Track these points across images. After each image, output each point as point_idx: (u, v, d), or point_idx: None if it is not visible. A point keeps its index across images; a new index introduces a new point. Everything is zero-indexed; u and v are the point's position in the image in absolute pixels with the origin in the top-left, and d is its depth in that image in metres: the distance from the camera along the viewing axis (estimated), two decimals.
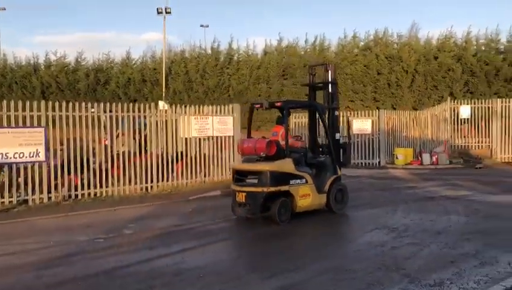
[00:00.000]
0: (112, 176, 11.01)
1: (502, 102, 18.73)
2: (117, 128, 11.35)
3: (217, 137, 12.91)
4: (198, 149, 12.60)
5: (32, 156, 9.76)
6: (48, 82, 30.98)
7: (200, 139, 12.64)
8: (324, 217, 8.56)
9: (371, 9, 56.10)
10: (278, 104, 8.53)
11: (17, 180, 9.73)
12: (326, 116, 9.04)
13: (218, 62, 27.73)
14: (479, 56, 23.20)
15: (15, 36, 61.15)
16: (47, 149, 10.00)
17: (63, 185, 10.24)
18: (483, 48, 23.66)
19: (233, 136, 13.24)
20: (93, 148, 10.94)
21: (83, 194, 10.51)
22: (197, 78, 27.47)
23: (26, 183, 9.78)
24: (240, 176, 8.02)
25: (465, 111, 19.32)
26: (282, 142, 8.09)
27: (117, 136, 11.41)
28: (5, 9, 38.64)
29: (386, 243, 6.51)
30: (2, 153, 9.41)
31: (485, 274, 5.08)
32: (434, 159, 17.43)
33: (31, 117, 9.93)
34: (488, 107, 18.96)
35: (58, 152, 10.40)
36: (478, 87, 22.67)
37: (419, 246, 6.30)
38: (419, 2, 54.51)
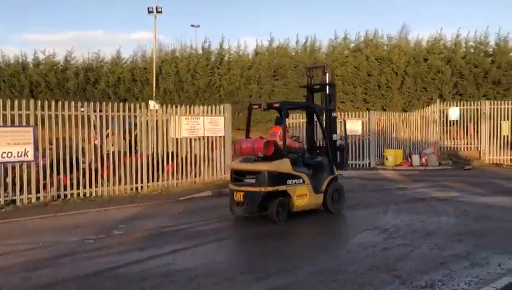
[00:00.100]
0: (102, 176, 10.91)
1: (490, 104, 18.93)
2: (107, 128, 11.26)
3: (208, 137, 12.86)
4: (189, 149, 12.54)
5: (21, 156, 9.63)
6: (37, 81, 30.67)
7: (191, 139, 12.58)
8: (318, 217, 8.58)
9: (361, 10, 56.39)
10: (276, 105, 8.68)
11: (5, 180, 9.60)
12: (324, 117, 9.17)
13: (209, 62, 27.64)
14: (468, 58, 23.41)
15: (3, 34, 60.48)
16: (36, 149, 9.88)
17: (51, 185, 10.13)
18: (472, 51, 23.87)
19: (224, 137, 13.20)
20: (83, 148, 10.83)
21: (72, 194, 10.40)
22: (187, 78, 27.36)
23: (14, 183, 9.65)
24: (238, 175, 8.10)
25: (454, 113, 19.50)
26: (280, 143, 8.17)
27: (107, 136, 11.32)
28: None
29: (377, 244, 6.52)
30: None
31: (475, 275, 5.10)
32: (423, 160, 17.57)
33: (20, 116, 9.80)
34: (477, 109, 19.15)
35: (47, 152, 10.28)
36: (467, 89, 22.88)
37: (410, 247, 6.32)
38: (409, 4, 54.91)
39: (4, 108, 9.59)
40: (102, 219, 8.58)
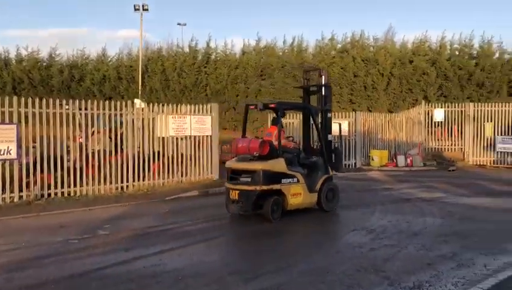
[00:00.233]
0: (87, 175, 10.76)
1: (474, 106, 19.18)
2: (92, 126, 11.10)
3: (194, 137, 12.78)
4: (175, 149, 12.44)
5: (3, 154, 9.44)
6: (20, 77, 30.18)
7: (177, 138, 12.48)
8: (308, 217, 8.60)
9: (347, 10, 56.71)
10: (272, 105, 8.81)
11: None
12: (320, 118, 9.36)
13: (195, 61, 27.49)
14: (453, 61, 23.68)
15: None
16: (19, 146, 9.71)
17: (35, 183, 9.95)
18: (457, 53, 24.15)
19: (211, 136, 13.13)
20: (68, 146, 10.66)
21: (56, 193, 10.24)
22: (174, 77, 27.18)
23: None
24: (233, 174, 8.24)
25: (439, 114, 19.71)
26: (276, 143, 8.29)
27: (92, 134, 11.17)
28: None
29: (364, 245, 6.54)
30: None
31: (462, 276, 5.15)
32: (408, 161, 17.73)
33: (2, 113, 9.61)
34: (461, 111, 19.38)
35: (31, 150, 10.10)
36: (451, 91, 23.15)
37: (397, 247, 6.36)
38: (395, 6, 55.38)
39: None
40: (87, 218, 8.46)
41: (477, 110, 18.95)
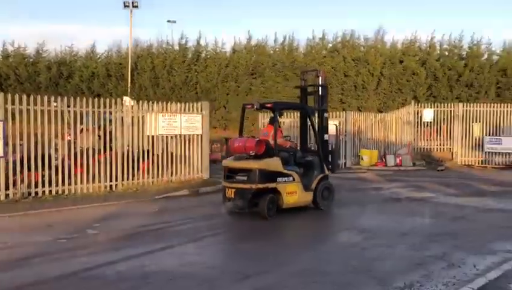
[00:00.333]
0: (75, 174, 10.63)
1: (463, 106, 19.34)
2: (81, 123, 10.97)
3: (184, 135, 12.69)
4: (165, 147, 12.34)
5: None
6: (6, 74, 29.74)
7: (167, 137, 12.38)
8: (299, 216, 8.59)
9: (339, 10, 56.88)
10: (269, 105, 9.04)
11: None
12: (316, 117, 9.55)
13: (185, 59, 27.34)
14: (442, 61, 23.87)
15: None
16: (5, 144, 9.56)
17: (22, 181, 9.80)
18: (447, 54, 24.34)
19: (202, 135, 13.04)
20: (56, 144, 10.52)
21: (43, 192, 10.10)
22: (163, 74, 27.00)
23: None
24: (230, 173, 8.38)
25: (428, 114, 19.83)
26: (273, 142, 8.39)
27: (81, 132, 11.03)
28: None
29: (355, 244, 6.55)
30: None
31: (452, 276, 5.16)
32: (398, 160, 17.82)
33: None
34: (450, 111, 19.54)
35: (18, 147, 9.94)
36: (441, 91, 23.33)
37: (388, 247, 6.37)
38: (385, 7, 55.66)
39: None
40: (75, 217, 8.35)
41: (466, 111, 19.12)
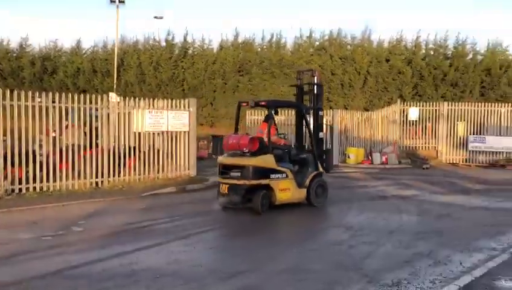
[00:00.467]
0: (60, 170, 10.47)
1: (448, 105, 19.57)
2: (66, 119, 10.81)
3: (171, 132, 12.60)
4: (151, 144, 12.23)
5: None
6: None
7: (153, 134, 12.27)
8: (286, 213, 8.61)
9: (326, 8, 56.91)
10: (263, 103, 9.20)
11: None
12: (312, 116, 9.68)
13: (172, 55, 27.10)
14: (428, 60, 24.05)
15: None
16: None
17: (5, 178, 9.62)
18: (432, 53, 24.54)
19: (189, 132, 12.96)
20: (40, 140, 10.36)
21: (27, 188, 9.93)
22: (150, 71, 26.74)
23: None
24: (224, 169, 8.56)
25: (413, 113, 20.02)
26: (267, 139, 8.58)
27: (66, 128, 10.87)
28: None
29: (343, 242, 6.57)
30: None
31: (439, 274, 5.21)
32: (384, 159, 17.96)
33: None
34: (435, 110, 19.75)
35: (1, 143, 9.74)
36: (426, 90, 23.53)
37: (375, 245, 6.40)
38: (372, 6, 55.88)
39: None
40: (60, 214, 8.23)
41: (451, 110, 19.34)
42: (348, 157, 17.98)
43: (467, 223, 7.94)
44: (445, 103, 19.81)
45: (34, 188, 10.03)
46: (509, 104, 19.39)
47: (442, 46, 24.66)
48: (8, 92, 9.86)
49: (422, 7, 54.23)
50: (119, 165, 11.48)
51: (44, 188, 10.17)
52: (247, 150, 8.33)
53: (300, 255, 5.94)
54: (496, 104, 19.67)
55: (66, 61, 29.26)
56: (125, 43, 29.00)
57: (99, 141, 11.25)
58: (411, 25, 56.26)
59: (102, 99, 11.41)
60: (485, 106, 19.33)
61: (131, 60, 27.41)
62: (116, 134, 11.58)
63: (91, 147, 11.04)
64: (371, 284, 4.85)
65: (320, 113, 9.82)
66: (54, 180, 10.36)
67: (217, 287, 4.74)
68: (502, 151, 18.51)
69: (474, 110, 19.17)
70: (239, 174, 8.25)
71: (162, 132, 12.40)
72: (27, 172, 9.98)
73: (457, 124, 19.21)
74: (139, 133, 11.96)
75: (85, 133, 11.12)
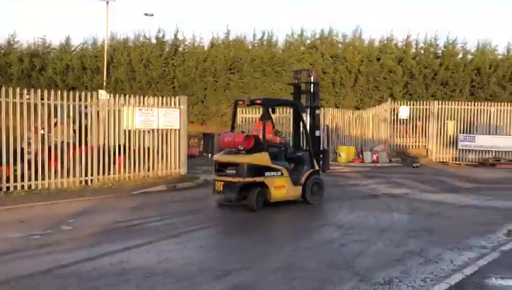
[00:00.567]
0: (49, 168, 10.35)
1: (438, 104, 19.69)
2: (55, 116, 10.68)
3: (162, 130, 12.50)
4: (142, 142, 12.13)
5: None
6: None
7: (144, 131, 12.17)
8: (276, 212, 8.59)
9: (317, 6, 57.00)
10: (258, 101, 9.26)
11: None
12: (309, 114, 9.80)
13: (162, 52, 26.90)
14: (419, 59, 24.14)
15: None
16: None
17: None
18: (423, 52, 24.65)
19: (179, 130, 12.88)
20: (28, 138, 10.22)
21: (15, 187, 9.79)
22: (140, 68, 26.54)
23: None
24: (220, 167, 8.64)
25: (404, 112, 20.13)
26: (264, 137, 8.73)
27: (55, 125, 10.74)
28: None
29: (334, 240, 6.57)
30: None
31: (430, 272, 5.22)
32: (374, 157, 18.03)
33: None
34: (426, 109, 19.87)
35: None
36: (416, 89, 23.63)
37: (366, 243, 6.40)
38: (363, 6, 56.09)
39: None
40: (49, 213, 8.13)
41: (441, 109, 19.47)
42: (339, 155, 18.02)
43: (457, 221, 7.98)
44: (436, 102, 19.93)
45: (22, 186, 9.90)
46: (499, 103, 19.57)
47: (433, 45, 24.78)
48: None
49: (413, 7, 54.56)
50: (108, 163, 11.37)
51: (33, 187, 10.04)
52: (242, 148, 8.40)
53: (293, 254, 5.91)
54: (486, 103, 19.84)
55: (55, 58, 28.97)
56: (115, 40, 28.77)
57: (88, 139, 11.13)
58: (401, 24, 56.55)
59: (91, 96, 11.29)
60: (474, 105, 19.48)
61: (121, 57, 27.19)
62: (106, 132, 11.47)
63: (80, 145, 10.93)
64: (362, 282, 4.85)
65: (317, 111, 9.91)
66: (43, 179, 10.23)
67: (208, 285, 4.70)
68: (491, 150, 18.68)
69: (464, 109, 19.32)
70: (234, 171, 8.33)
71: (152, 130, 12.31)
72: (15, 170, 9.85)
73: (447, 123, 19.35)
74: (129, 131, 11.86)
75: (74, 131, 11.00)
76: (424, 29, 47.46)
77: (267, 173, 8.47)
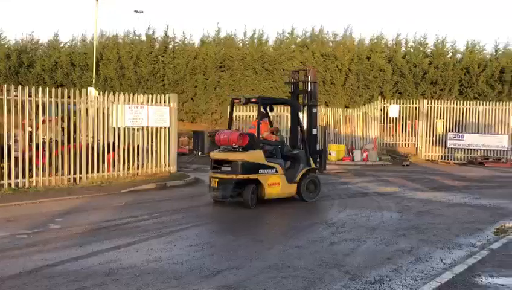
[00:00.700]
0: (36, 166, 10.22)
1: (427, 103, 19.82)
2: (43, 114, 10.55)
3: (152, 128, 12.41)
4: (132, 140, 12.03)
5: None
6: None
7: (133, 129, 12.07)
8: (267, 210, 8.56)
9: (308, 5, 57.04)
10: (253, 100, 9.30)
11: None
12: (306, 113, 9.93)
13: (152, 50, 26.71)
14: (408, 58, 24.29)
15: None
16: None
17: None
18: (412, 51, 24.77)
19: (169, 128, 12.79)
20: (16, 135, 10.08)
21: (2, 185, 9.66)
22: (130, 65, 26.33)
23: None
24: (216, 164, 8.84)
25: (394, 110, 20.25)
26: (261, 135, 8.95)
27: (43, 123, 10.60)
28: None
29: (325, 239, 6.55)
30: None
31: (420, 270, 5.23)
32: (364, 155, 18.10)
33: None
34: (415, 108, 19.99)
35: None
36: (406, 88, 23.76)
37: (357, 242, 6.40)
38: (354, 5, 56.24)
39: None
40: (37, 211, 8.02)
41: (431, 107, 19.60)
42: (329, 154, 18.03)
43: (447, 219, 8.01)
44: (425, 101, 20.07)
45: (9, 184, 9.76)
46: (487, 103, 19.74)
47: (422, 44, 24.91)
48: None
49: (402, 6, 54.84)
50: (97, 161, 11.26)
51: (20, 185, 9.91)
52: (236, 146, 8.54)
53: (283, 252, 5.88)
54: (474, 102, 20.01)
55: (43, 54, 28.66)
56: (104, 37, 28.52)
57: (77, 137, 11.01)
58: (392, 23, 56.83)
59: (80, 93, 11.16)
60: (463, 104, 19.65)
61: (111, 54, 26.96)
62: (95, 129, 11.35)
63: (69, 143, 10.81)
64: (353, 281, 4.84)
65: (314, 110, 9.96)
66: (30, 177, 10.11)
67: (198, 285, 4.65)
68: (480, 149, 18.85)
69: (453, 108, 19.48)
70: (229, 168, 8.50)
71: (142, 128, 12.22)
72: (2, 168, 9.74)
73: (436, 122, 19.50)
74: (119, 129, 11.75)
75: (62, 128, 10.88)
76: (414, 29, 47.82)
77: (261, 170, 8.61)
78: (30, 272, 4.91)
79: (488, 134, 19.01)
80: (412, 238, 6.61)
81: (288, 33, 26.32)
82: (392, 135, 20.53)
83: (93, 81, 25.53)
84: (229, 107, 16.26)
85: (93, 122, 11.31)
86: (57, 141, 10.61)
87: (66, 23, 52.56)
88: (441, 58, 23.94)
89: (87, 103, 11.32)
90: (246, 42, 26.45)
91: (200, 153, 18.45)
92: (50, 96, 10.53)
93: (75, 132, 11.03)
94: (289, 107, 16.13)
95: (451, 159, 18.90)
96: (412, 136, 20.23)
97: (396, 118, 20.34)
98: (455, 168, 17.04)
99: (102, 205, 8.71)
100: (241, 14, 56.33)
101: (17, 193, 9.49)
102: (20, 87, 10.31)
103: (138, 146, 12.17)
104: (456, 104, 19.57)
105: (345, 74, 24.44)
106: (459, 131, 19.20)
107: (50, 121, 10.67)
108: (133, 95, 12.29)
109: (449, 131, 19.19)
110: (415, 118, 20.00)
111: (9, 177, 9.78)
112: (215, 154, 8.99)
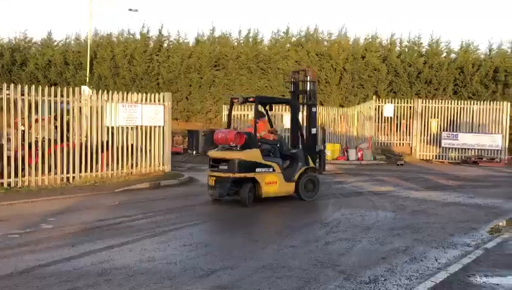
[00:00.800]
0: (29, 165, 10.13)
1: (422, 102, 19.87)
2: (36, 112, 10.45)
3: (146, 127, 12.34)
4: (125, 139, 11.96)
5: None
6: None
7: (127, 128, 12.00)
8: (261, 209, 8.54)
9: (303, 4, 57.01)
10: (251, 99, 9.37)
11: None
12: (305, 112, 9.97)
13: (147, 48, 26.61)
14: (403, 57, 24.32)
15: None
16: None
17: None
18: (407, 50, 24.81)
19: (163, 127, 12.73)
20: (8, 134, 9.98)
21: None
22: (124, 64, 26.22)
23: None
24: (214, 162, 8.90)
25: (388, 110, 20.28)
26: (258, 134, 9.03)
27: (36, 121, 10.51)
28: None
29: (319, 239, 6.53)
30: None
31: (415, 270, 5.22)
32: (359, 155, 18.11)
33: None
34: (410, 107, 20.02)
35: None
36: (401, 87, 23.79)
37: (352, 241, 6.38)
38: (349, 4, 56.28)
39: None
40: (29, 211, 7.94)
41: (425, 107, 19.64)
42: None
43: (442, 219, 8.01)
44: (420, 100, 20.11)
45: (2, 184, 9.67)
46: (481, 102, 19.81)
47: (417, 44, 24.95)
48: None
49: (397, 6, 54.97)
50: (91, 160, 11.19)
51: (13, 184, 9.82)
52: (234, 144, 8.59)
53: (278, 252, 5.85)
54: (468, 101, 20.06)
55: (37, 52, 28.48)
56: (98, 36, 28.38)
57: (70, 135, 10.92)
58: (386, 23, 56.95)
59: (74, 92, 11.08)
60: (457, 103, 19.70)
61: (105, 53, 26.82)
62: (89, 128, 11.27)
63: (62, 141, 10.72)
64: (348, 281, 4.82)
65: (313, 109, 9.96)
66: (23, 176, 10.02)
67: (192, 285, 4.61)
68: (474, 148, 18.91)
69: (448, 107, 19.52)
70: (226, 167, 8.56)
71: (136, 127, 12.14)
72: None
73: (430, 121, 19.54)
74: (112, 128, 11.67)
75: (56, 127, 10.79)
76: (408, 28, 47.95)
77: (258, 169, 8.66)
78: (21, 272, 4.85)
79: (482, 133, 19.07)
80: (407, 238, 6.60)
81: (283, 32, 26.30)
82: (387, 134, 20.55)
83: (87, 80, 25.39)
84: (224, 105, 16.25)
85: (86, 121, 11.23)
86: (49, 140, 10.52)
87: (59, 22, 52.28)
88: (435, 57, 23.99)
89: (80, 101, 11.23)
90: (241, 41, 26.40)
91: (194, 152, 18.39)
92: (43, 95, 10.44)
93: (68, 130, 10.94)
94: (285, 107, 16.24)
95: (445, 159, 18.95)
96: (406, 135, 20.26)
97: (390, 117, 20.37)
98: (449, 167, 17.09)
99: (95, 205, 8.64)
100: (236, 13, 56.23)
101: (9, 193, 9.40)
102: (12, 85, 10.22)
103: (132, 145, 12.09)
104: (451, 104, 19.62)
105: (340, 73, 24.44)
106: (453, 130, 19.25)
107: (43, 119, 10.58)
108: (127, 93, 12.21)
109: (443, 130, 19.24)
110: (410, 118, 20.05)
111: (1, 177, 9.69)
112: (213, 153, 9.04)
